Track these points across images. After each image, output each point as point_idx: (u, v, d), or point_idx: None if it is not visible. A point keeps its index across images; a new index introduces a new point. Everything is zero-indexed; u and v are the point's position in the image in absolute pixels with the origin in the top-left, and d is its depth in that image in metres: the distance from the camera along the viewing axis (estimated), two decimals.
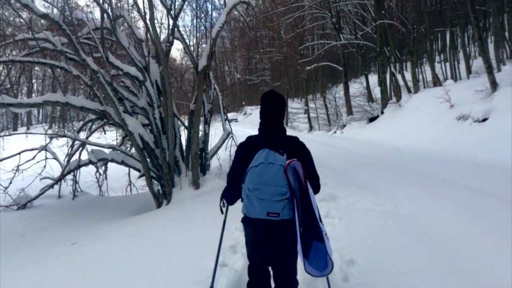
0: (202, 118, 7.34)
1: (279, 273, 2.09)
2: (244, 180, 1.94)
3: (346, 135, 16.87)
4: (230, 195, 2.14)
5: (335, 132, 18.12)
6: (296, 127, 26.84)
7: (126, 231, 4.88)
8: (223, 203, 2.23)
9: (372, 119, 16.10)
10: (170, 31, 6.75)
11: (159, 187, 6.66)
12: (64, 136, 6.99)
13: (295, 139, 2.11)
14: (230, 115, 41.61)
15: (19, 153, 7.61)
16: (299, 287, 2.21)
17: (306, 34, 27.44)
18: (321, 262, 1.76)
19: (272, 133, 2.05)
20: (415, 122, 12.94)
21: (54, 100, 6.35)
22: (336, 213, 4.14)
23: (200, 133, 7.27)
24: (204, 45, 7.08)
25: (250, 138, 2.11)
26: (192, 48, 7.32)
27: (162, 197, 6.51)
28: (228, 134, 7.86)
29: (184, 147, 7.21)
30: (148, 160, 6.72)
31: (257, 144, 2.00)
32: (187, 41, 7.34)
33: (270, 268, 2.16)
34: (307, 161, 2.00)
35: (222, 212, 2.29)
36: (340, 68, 19.64)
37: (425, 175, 6.10)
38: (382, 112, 15.51)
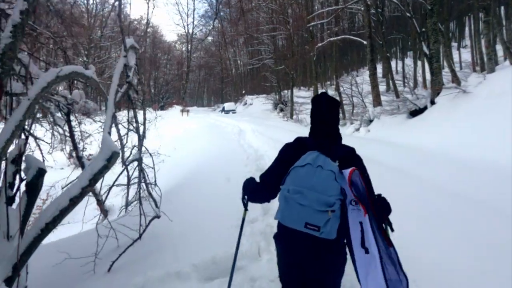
0: None
1: None
2: (284, 181, 1.66)
3: (374, 134, 11.69)
4: (257, 192, 1.87)
5: (357, 129, 12.94)
6: (303, 120, 21.60)
7: None
8: (245, 198, 1.94)
9: (415, 113, 10.89)
10: None
11: None
12: None
13: (351, 150, 1.82)
14: (227, 106, 36.57)
15: None
16: None
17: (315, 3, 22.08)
18: None
19: (325, 137, 1.82)
20: (498, 118, 7.74)
21: None
22: None
23: None
24: None
25: (298, 139, 1.89)
26: None
27: None
28: (110, 159, 2.78)
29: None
30: None
31: (305, 146, 1.77)
32: None
33: None
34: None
35: (246, 208, 2.00)
36: (364, 42, 14.34)
37: None
38: (432, 102, 10.29)
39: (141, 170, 3.77)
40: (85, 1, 33.95)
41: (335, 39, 16.49)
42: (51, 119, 7.18)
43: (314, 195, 1.53)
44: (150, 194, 3.62)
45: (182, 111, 26.69)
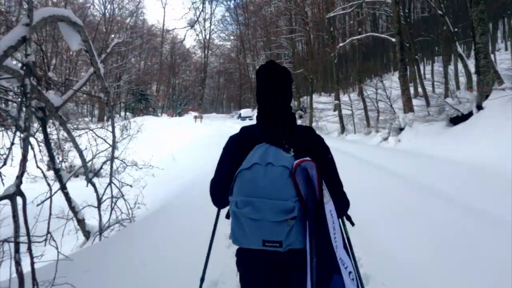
0: None
1: None
2: (231, 191, 1.28)
3: (407, 145, 9.97)
4: (216, 199, 1.47)
5: (385, 139, 11.22)
6: (323, 127, 19.96)
7: None
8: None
9: (457, 120, 9.12)
10: None
11: None
12: None
13: (309, 130, 1.47)
14: (244, 112, 35.55)
15: None
16: None
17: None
18: None
19: (275, 121, 1.42)
20: None
21: None
22: None
23: None
24: None
25: (245, 129, 1.50)
26: None
27: None
28: None
29: None
30: None
31: (255, 137, 1.38)
32: None
33: None
34: (325, 162, 1.37)
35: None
36: (393, 39, 12.66)
37: None
38: (479, 107, 8.51)
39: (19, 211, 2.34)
40: (103, 7, 33.79)
41: (358, 38, 14.87)
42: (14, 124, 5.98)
43: (267, 203, 1.18)
44: (29, 252, 2.19)
45: (196, 117, 25.61)
